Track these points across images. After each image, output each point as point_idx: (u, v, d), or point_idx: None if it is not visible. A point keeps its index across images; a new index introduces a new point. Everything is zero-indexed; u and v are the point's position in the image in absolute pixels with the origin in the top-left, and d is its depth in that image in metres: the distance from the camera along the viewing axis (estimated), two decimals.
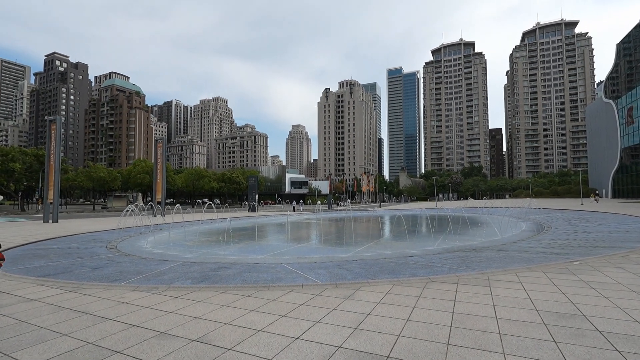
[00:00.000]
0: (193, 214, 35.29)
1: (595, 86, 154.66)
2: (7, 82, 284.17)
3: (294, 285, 6.16)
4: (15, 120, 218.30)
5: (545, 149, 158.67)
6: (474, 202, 64.73)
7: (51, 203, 25.24)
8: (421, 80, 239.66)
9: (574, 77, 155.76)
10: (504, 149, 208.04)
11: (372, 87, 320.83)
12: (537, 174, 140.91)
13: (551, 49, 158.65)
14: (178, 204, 28.67)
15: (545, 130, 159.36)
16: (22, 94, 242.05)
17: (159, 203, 33.78)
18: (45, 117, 26.54)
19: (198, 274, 7.50)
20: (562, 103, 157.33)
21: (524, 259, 8.73)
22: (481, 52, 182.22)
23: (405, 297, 5.32)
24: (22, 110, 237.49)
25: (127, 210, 13.37)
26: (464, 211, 32.77)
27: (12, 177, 41.34)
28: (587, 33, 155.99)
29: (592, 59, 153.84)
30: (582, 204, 42.37)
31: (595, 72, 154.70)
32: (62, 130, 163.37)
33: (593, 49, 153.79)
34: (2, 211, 43.69)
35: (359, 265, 8.61)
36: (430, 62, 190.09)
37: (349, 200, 23.64)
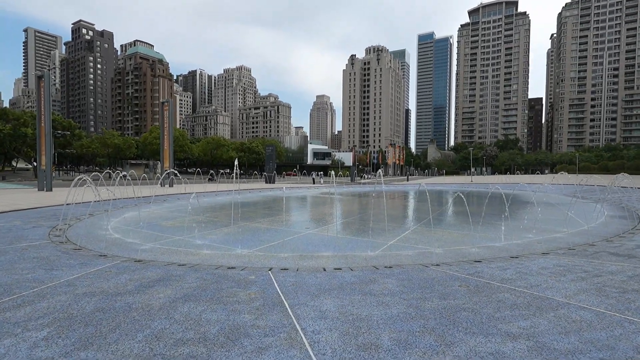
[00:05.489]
0: (204, 185, 32.63)
1: None
2: (40, 52, 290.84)
3: None
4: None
5: (592, 120, 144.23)
6: (517, 177, 58.69)
7: (44, 170, 22.95)
8: (454, 46, 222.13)
9: (632, 38, 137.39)
10: (543, 121, 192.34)
11: (400, 55, 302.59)
12: (581, 148, 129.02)
13: (608, 5, 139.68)
14: (171, 173, 25.79)
15: (593, 99, 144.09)
16: (54, 64, 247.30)
17: (167, 173, 31.24)
18: (34, 73, 23.88)
19: (93, 305, 3.99)
20: (616, 69, 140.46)
21: None
22: (525, 12, 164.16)
23: None
24: (55, 80, 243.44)
25: (79, 179, 10.12)
26: (509, 188, 27.97)
27: (25, 142, 40.08)
28: None
29: None
30: None
31: None
32: (91, 99, 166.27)
33: None
34: (18, 177, 43.13)
35: (399, 283, 4.86)
36: (467, 24, 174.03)
37: (380, 171, 19.92)
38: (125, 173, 10.81)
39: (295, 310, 3.88)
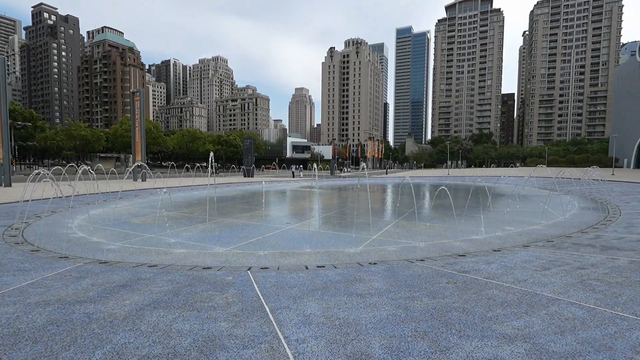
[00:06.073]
0: (179, 179, 31.53)
1: (621, 47, 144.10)
2: None
3: None
4: (8, 78, 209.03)
5: (560, 115, 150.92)
6: (492, 170, 60.53)
7: (2, 164, 21.28)
8: (432, 41, 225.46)
9: (598, 37, 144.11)
10: (515, 116, 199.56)
11: (379, 48, 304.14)
12: (550, 142, 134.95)
13: (576, 4, 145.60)
14: (138, 166, 24.75)
15: (561, 95, 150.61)
16: (13, 50, 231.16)
17: (139, 166, 29.84)
18: None
19: (46, 316, 3.52)
20: (582, 66, 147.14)
21: None
22: (499, 9, 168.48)
23: None
24: (14, 68, 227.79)
25: (38, 174, 9.30)
26: (484, 181, 28.71)
27: None
28: None
29: (621, 17, 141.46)
30: (613, 174, 38.34)
31: (622, 31, 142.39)
32: (56, 89, 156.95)
33: (623, 6, 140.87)
34: None
35: (385, 281, 4.66)
36: (444, 20, 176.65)
37: (363, 165, 19.45)
38: (86, 167, 10.02)
39: (277, 315, 3.57)
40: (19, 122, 39.92)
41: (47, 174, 9.43)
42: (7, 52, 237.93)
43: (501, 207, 13.96)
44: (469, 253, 6.57)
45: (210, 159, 10.34)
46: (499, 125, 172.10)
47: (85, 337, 3.06)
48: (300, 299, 4.05)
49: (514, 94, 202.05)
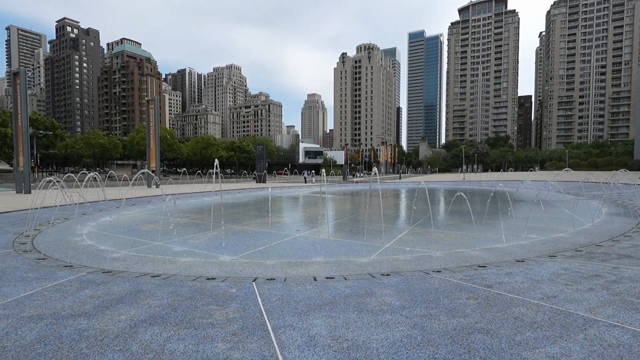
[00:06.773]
0: (190, 185, 31.73)
1: None
2: (24, 51, 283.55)
3: None
4: (33, 90, 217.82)
5: (580, 117, 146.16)
6: (510, 174, 58.94)
7: (22, 171, 21.87)
8: (445, 44, 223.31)
9: (619, 36, 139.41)
10: (532, 118, 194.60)
11: (391, 53, 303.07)
12: (570, 145, 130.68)
13: (595, 3, 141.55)
14: (148, 172, 25.04)
15: (581, 97, 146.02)
16: (38, 63, 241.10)
17: (153, 172, 30.26)
18: (8, 70, 22.70)
19: (37, 333, 3.30)
20: (603, 66, 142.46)
21: None
22: (514, 10, 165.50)
23: None
24: (39, 80, 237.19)
25: (47, 181, 9.33)
26: (504, 185, 27.69)
27: (5, 142, 38.53)
28: None
29: None
30: None
31: None
32: (78, 99, 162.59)
33: None
34: (5, 180, 41.52)
35: (398, 296, 4.30)
36: (457, 22, 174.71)
37: (375, 170, 18.83)
38: (93, 174, 10.02)
39: (279, 334, 3.27)
40: (41, 131, 41.49)
41: (58, 181, 9.47)
42: (33, 65, 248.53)
43: (522, 213, 13.31)
44: (490, 264, 6.12)
45: (215, 166, 10.21)
46: (515, 128, 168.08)
47: (71, 359, 2.83)
48: (306, 315, 3.74)
49: (531, 96, 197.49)
